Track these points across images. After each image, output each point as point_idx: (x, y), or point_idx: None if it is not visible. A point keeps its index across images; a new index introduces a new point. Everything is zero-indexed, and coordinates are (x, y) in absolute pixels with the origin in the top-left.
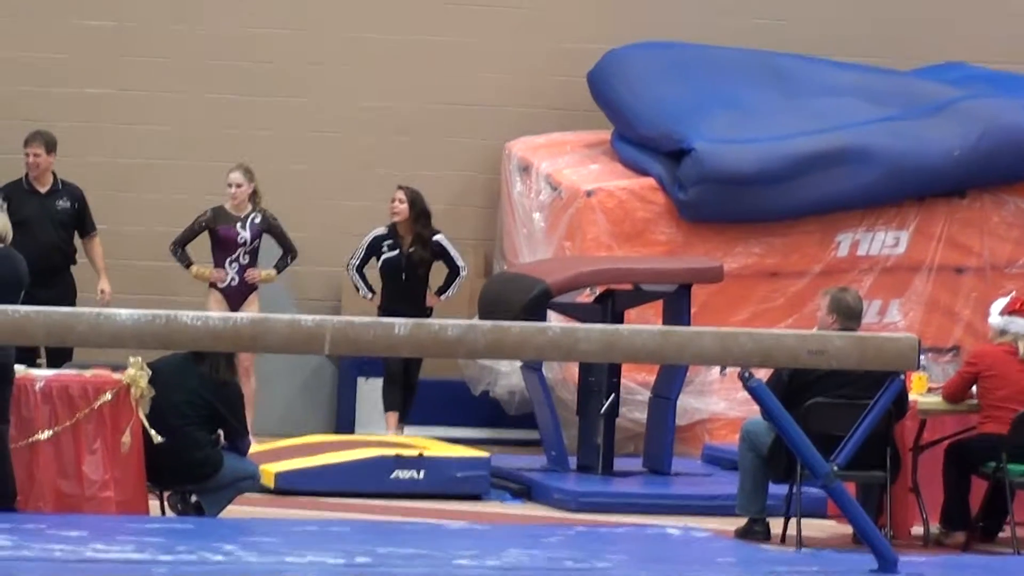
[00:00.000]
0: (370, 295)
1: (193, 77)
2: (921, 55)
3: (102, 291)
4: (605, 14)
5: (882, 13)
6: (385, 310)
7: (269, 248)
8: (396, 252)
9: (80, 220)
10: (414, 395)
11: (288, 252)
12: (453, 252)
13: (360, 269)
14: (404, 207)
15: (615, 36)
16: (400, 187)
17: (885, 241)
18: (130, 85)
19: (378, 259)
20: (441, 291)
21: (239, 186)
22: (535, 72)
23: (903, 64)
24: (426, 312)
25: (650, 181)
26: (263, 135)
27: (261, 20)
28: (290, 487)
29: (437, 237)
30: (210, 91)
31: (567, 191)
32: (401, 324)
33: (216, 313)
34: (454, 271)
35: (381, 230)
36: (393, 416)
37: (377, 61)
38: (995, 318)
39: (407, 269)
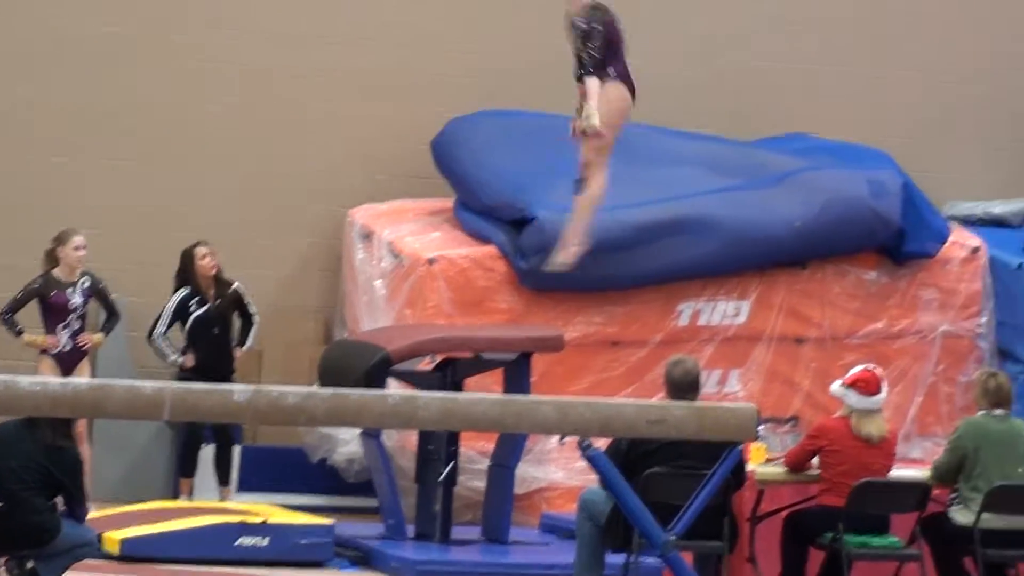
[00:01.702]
0: (181, 358)
1: (24, 141)
2: (764, 125)
3: None
4: (449, 81)
5: (726, 83)
6: (199, 370)
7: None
8: (205, 307)
9: None
10: (231, 451)
11: (113, 315)
12: (248, 299)
13: (166, 336)
14: (215, 260)
15: (459, 104)
16: (202, 243)
17: (726, 311)
18: None
19: (184, 321)
20: (241, 343)
21: (86, 248)
22: (378, 139)
23: (746, 134)
24: (233, 367)
25: (492, 249)
26: (96, 202)
27: (85, 88)
28: (136, 553)
29: (236, 285)
30: (40, 155)
31: (409, 259)
32: (240, 390)
33: (55, 378)
34: (249, 320)
35: (183, 291)
36: (187, 483)
37: (220, 126)
38: (835, 386)
39: (218, 322)
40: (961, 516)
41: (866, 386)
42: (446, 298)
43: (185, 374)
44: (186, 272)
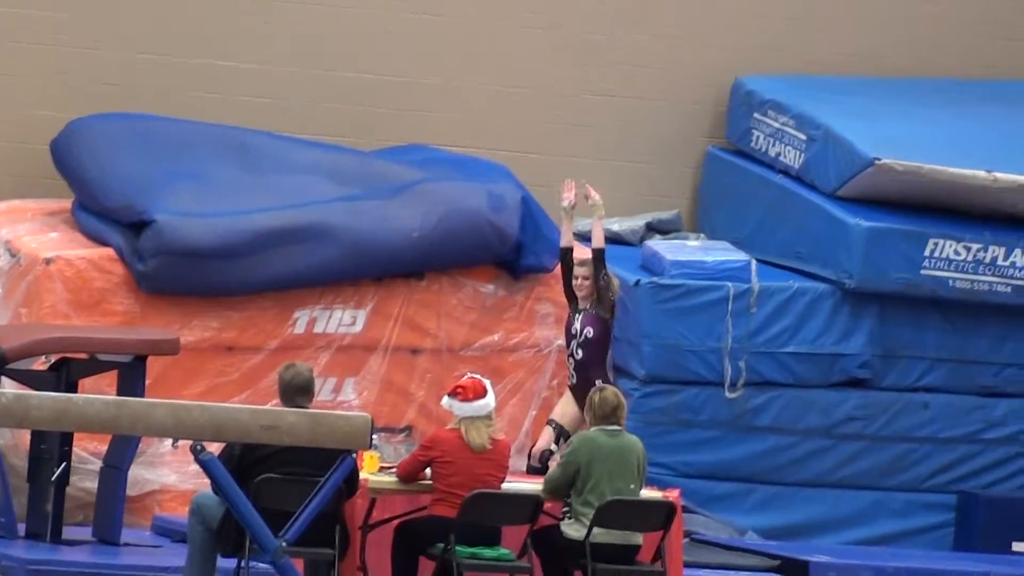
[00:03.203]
0: None
1: None
2: (384, 136)
3: None
4: (68, 82)
5: (346, 92)
6: None
7: None
8: None
9: None
10: None
11: None
12: None
13: None
14: None
15: (80, 105)
16: None
17: (342, 319)
18: None
19: None
20: None
21: None
22: None
23: (367, 144)
24: None
25: (109, 251)
26: None
27: None
28: None
29: None
30: None
31: (26, 258)
32: None
33: None
34: None
35: None
36: None
37: None
38: (444, 399)
39: None
40: (572, 530)
41: (464, 392)
42: (63, 298)
43: None
44: None
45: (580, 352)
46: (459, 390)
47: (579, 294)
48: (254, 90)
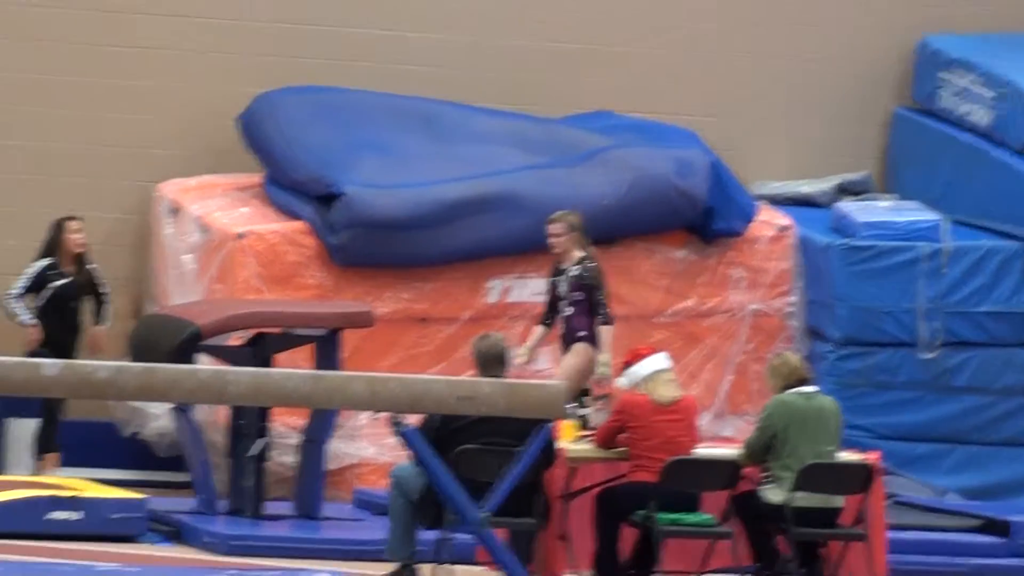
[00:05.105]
0: (33, 322)
1: None
2: (571, 103)
3: None
4: (257, 57)
5: (531, 61)
6: (50, 342)
7: None
8: (65, 280)
9: None
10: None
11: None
12: (102, 280)
13: (21, 298)
14: (84, 239)
15: (267, 79)
16: (75, 218)
17: (536, 288)
18: None
19: (38, 291)
20: (100, 322)
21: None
22: (187, 114)
23: (553, 112)
24: (79, 345)
25: (301, 225)
26: None
27: None
28: None
29: (93, 266)
30: None
31: (218, 234)
32: (51, 364)
33: None
34: (102, 299)
35: (45, 261)
36: (54, 457)
37: (27, 100)
38: (621, 380)
39: (75, 297)
40: (773, 494)
41: (636, 355)
42: (255, 273)
43: (35, 350)
44: (53, 243)
45: (570, 309)
46: (631, 356)
47: (553, 251)
48: (436, 59)
